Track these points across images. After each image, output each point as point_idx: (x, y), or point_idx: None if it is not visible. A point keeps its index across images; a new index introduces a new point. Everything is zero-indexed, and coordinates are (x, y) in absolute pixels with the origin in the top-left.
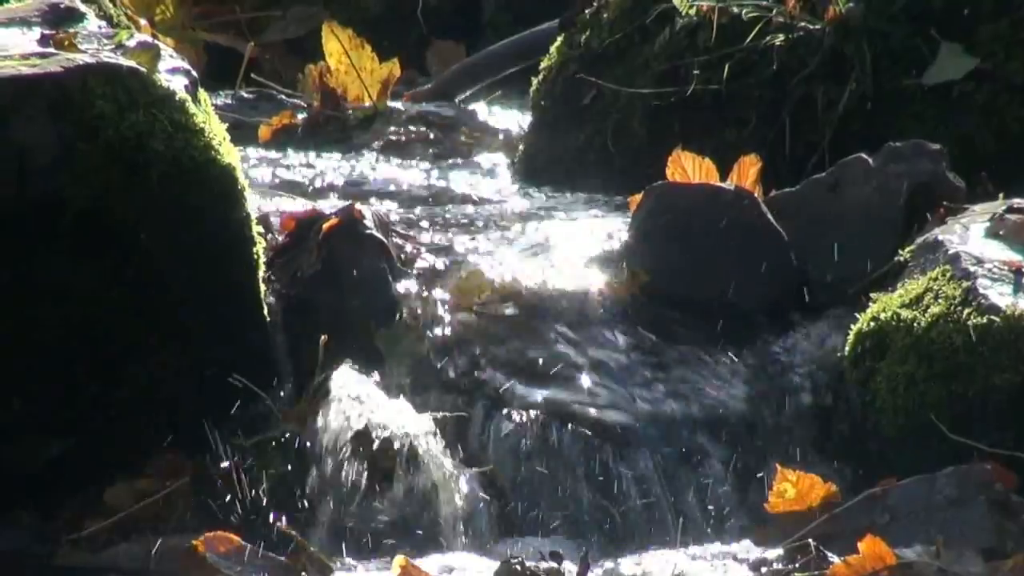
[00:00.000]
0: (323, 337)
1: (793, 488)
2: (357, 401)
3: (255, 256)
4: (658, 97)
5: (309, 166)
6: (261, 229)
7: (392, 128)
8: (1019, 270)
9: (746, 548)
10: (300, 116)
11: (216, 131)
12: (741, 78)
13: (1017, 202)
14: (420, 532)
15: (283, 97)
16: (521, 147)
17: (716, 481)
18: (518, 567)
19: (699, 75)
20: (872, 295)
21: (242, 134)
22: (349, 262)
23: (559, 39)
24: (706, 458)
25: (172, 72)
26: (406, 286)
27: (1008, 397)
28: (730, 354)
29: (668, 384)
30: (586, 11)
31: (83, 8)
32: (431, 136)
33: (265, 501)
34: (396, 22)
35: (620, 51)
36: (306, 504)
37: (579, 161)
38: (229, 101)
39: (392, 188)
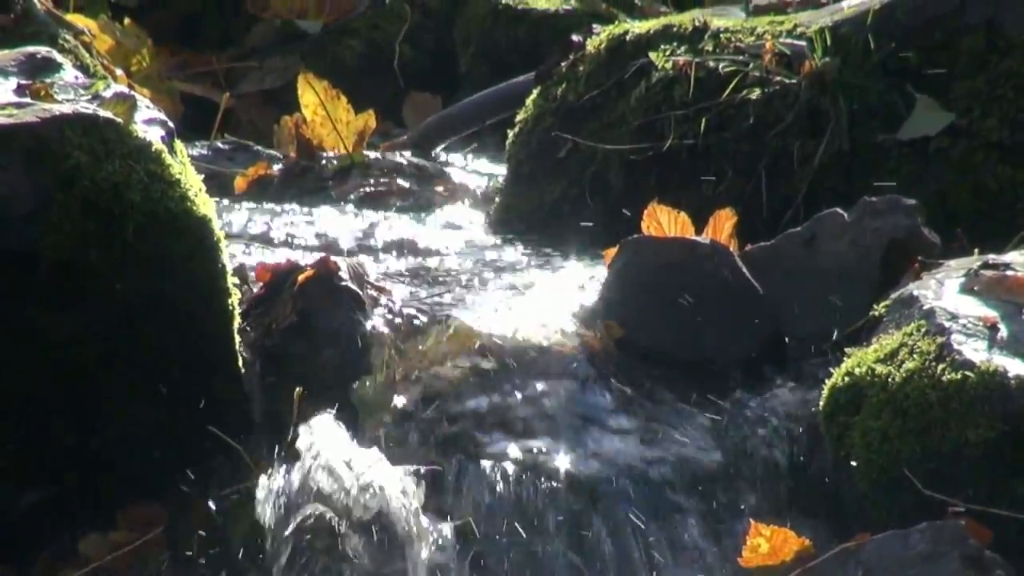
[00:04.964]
0: (297, 389)
1: (767, 542)
2: (331, 454)
3: (230, 307)
4: (634, 151)
5: (284, 217)
6: (236, 280)
7: (368, 179)
8: (994, 326)
9: None
10: (276, 167)
11: (192, 182)
12: (717, 132)
13: (992, 258)
14: None
15: (259, 148)
16: (497, 199)
17: (690, 536)
18: None
19: (676, 129)
20: (847, 350)
21: (218, 185)
22: (324, 314)
23: (535, 92)
24: (680, 513)
25: (148, 123)
26: (381, 338)
27: (982, 452)
28: (705, 408)
29: (642, 438)
30: (562, 64)
31: (60, 58)
32: (407, 188)
33: (239, 553)
34: (372, 74)
35: (596, 105)
36: (280, 557)
37: (555, 214)
38: (205, 152)
39: (367, 240)
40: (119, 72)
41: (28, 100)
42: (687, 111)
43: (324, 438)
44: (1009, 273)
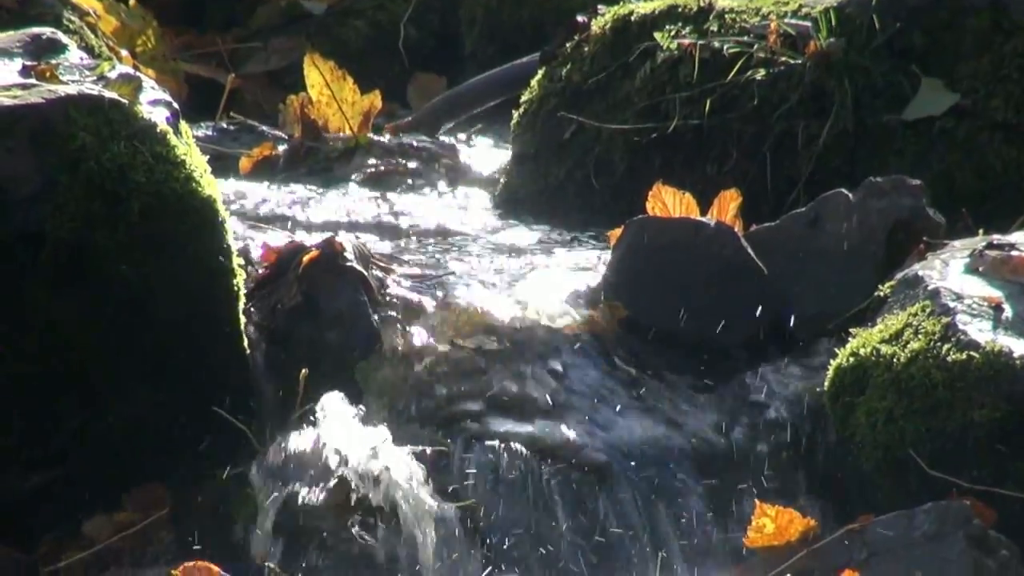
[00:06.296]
0: (303, 370)
1: (772, 523)
2: (336, 434)
3: (236, 288)
4: (639, 132)
5: (290, 198)
6: (242, 261)
7: (373, 160)
8: (998, 306)
9: None
10: (281, 148)
11: (197, 163)
12: (722, 113)
13: (997, 238)
14: (399, 568)
15: (264, 129)
16: (502, 180)
17: (695, 516)
18: None
19: (680, 110)
20: (852, 330)
21: (223, 165)
22: (329, 294)
23: (540, 73)
24: (685, 493)
25: (154, 103)
26: (386, 319)
27: (987, 433)
28: (709, 388)
29: (647, 418)
30: (567, 45)
31: (65, 39)
32: (411, 168)
33: (244, 534)
34: (378, 54)
35: (601, 86)
36: (285, 538)
37: (559, 194)
38: (210, 132)
39: (372, 220)
40: (124, 53)
41: (33, 81)
42: (692, 92)
43: (329, 418)
44: (1014, 253)
